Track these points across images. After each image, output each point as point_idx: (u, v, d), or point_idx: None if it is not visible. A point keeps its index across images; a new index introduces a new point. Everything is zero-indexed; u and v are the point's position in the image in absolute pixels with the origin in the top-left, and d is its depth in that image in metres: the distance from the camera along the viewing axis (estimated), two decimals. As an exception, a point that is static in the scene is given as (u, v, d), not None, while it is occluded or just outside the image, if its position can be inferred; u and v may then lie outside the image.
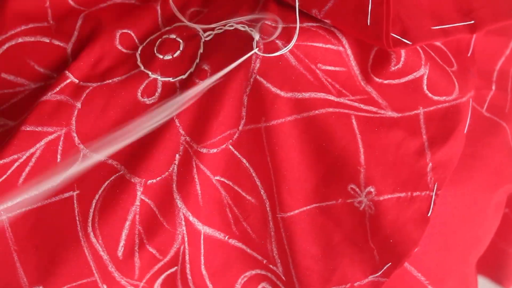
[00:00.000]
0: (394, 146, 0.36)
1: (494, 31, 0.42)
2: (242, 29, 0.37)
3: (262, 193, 0.37)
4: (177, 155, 0.36)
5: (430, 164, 0.36)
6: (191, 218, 0.36)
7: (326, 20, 0.36)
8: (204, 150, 0.36)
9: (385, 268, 0.35)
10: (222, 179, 0.37)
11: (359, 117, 0.36)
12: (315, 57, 0.36)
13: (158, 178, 0.36)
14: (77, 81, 0.38)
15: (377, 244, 0.35)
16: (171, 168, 0.36)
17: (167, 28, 0.40)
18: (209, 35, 0.39)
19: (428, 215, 0.35)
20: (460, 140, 0.36)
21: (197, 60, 0.38)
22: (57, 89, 0.38)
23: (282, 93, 0.35)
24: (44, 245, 0.36)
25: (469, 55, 0.39)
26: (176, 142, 0.36)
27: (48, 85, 0.39)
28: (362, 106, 0.36)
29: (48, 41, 0.40)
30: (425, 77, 0.36)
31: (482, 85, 0.42)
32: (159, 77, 0.38)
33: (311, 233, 0.36)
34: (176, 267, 0.37)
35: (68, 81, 0.38)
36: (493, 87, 0.42)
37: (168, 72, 0.38)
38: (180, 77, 0.38)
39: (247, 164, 0.37)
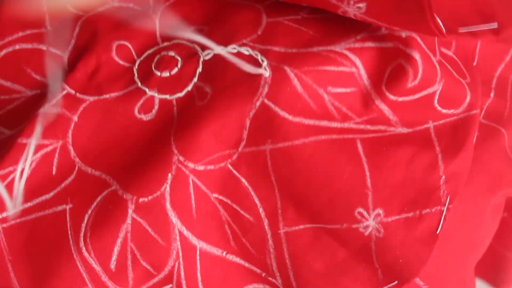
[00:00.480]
0: (405, 162, 0.36)
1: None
2: (246, 53, 0.37)
3: (260, 211, 0.37)
4: (169, 175, 0.36)
5: (444, 177, 0.36)
6: (185, 232, 0.36)
7: (360, 5, 0.35)
8: (201, 168, 0.36)
9: (390, 285, 0.35)
10: (220, 197, 0.37)
11: (364, 140, 0.36)
12: (326, 81, 0.36)
13: (149, 197, 0.36)
14: (73, 92, 0.39)
15: (382, 264, 0.35)
16: (163, 188, 0.36)
17: (165, 44, 0.40)
18: (207, 54, 0.39)
19: (437, 232, 0.35)
20: (470, 151, 0.36)
21: (195, 79, 0.38)
22: (54, 101, 0.38)
23: (290, 117, 0.36)
24: (38, 256, 0.36)
25: (475, 64, 0.39)
26: (169, 162, 0.36)
27: (45, 93, 0.39)
28: (369, 127, 0.37)
29: (45, 48, 0.40)
30: (438, 92, 0.36)
31: (481, 92, 0.42)
32: (156, 94, 0.38)
33: (315, 249, 0.36)
34: (171, 285, 0.37)
35: (64, 92, 0.38)
36: (492, 94, 0.43)
37: (165, 89, 0.38)
38: (177, 95, 0.38)
39: (246, 184, 0.37)
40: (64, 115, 0.38)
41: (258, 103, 0.36)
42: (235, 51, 0.38)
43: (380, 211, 0.35)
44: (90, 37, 0.40)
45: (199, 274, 0.37)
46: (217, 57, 0.38)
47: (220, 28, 0.40)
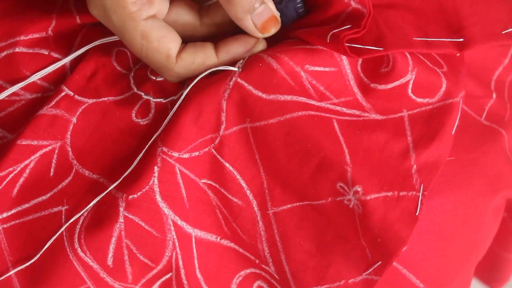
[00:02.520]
0: (378, 148, 0.36)
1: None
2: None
3: (248, 193, 0.37)
4: (155, 167, 0.36)
5: (415, 166, 0.36)
6: (179, 222, 0.36)
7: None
8: (186, 155, 0.36)
9: (375, 266, 0.35)
10: (209, 182, 0.37)
11: (340, 121, 0.36)
12: (303, 59, 0.36)
13: (139, 193, 0.35)
14: (72, 93, 0.39)
15: (367, 243, 0.35)
16: (151, 181, 0.36)
17: None
18: None
19: (417, 214, 0.35)
20: (447, 141, 0.36)
21: (187, 81, 0.38)
22: (53, 102, 0.38)
23: (264, 96, 0.35)
24: (30, 257, 0.37)
25: (458, 55, 0.38)
26: (153, 154, 0.36)
27: (46, 97, 0.39)
28: (344, 109, 0.36)
29: (47, 53, 0.40)
30: (411, 82, 0.36)
31: (481, 94, 0.42)
32: (151, 98, 0.38)
33: (304, 228, 0.36)
34: (170, 273, 0.37)
35: (63, 94, 0.39)
36: (494, 96, 0.43)
37: (160, 93, 0.39)
38: (171, 98, 0.38)
39: (230, 168, 0.37)
40: (63, 117, 0.38)
41: (231, 83, 0.35)
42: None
43: (359, 188, 0.35)
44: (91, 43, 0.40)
45: (196, 262, 0.37)
46: None
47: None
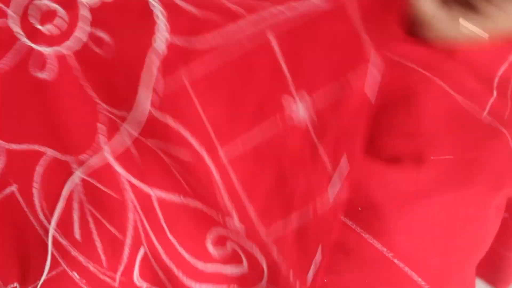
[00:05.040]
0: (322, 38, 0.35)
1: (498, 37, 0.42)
2: None
3: (195, 145, 0.35)
4: (99, 124, 0.35)
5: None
6: (133, 181, 0.35)
7: None
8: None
9: (340, 165, 0.34)
10: (154, 140, 0.36)
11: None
12: None
13: (88, 151, 0.35)
14: None
15: (326, 146, 0.35)
16: (98, 138, 0.35)
17: None
18: (95, 3, 0.36)
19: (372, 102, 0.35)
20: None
21: (88, 29, 0.36)
22: None
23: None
24: (11, 244, 0.36)
25: None
26: (94, 111, 0.35)
27: None
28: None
29: None
30: None
31: (483, 90, 0.42)
32: (46, 49, 0.36)
33: (259, 165, 0.35)
34: (142, 248, 0.36)
35: None
36: (495, 93, 0.42)
37: (55, 43, 0.36)
38: (66, 43, 0.36)
39: (172, 124, 0.35)
40: None
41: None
42: None
43: (304, 92, 0.34)
44: None
45: (164, 224, 0.36)
46: (104, 4, 0.36)
47: None
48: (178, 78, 0.35)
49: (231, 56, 0.35)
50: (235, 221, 0.36)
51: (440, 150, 0.37)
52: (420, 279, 0.37)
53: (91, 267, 0.36)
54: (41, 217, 0.35)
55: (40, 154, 0.36)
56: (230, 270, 0.38)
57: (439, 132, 0.38)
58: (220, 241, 0.38)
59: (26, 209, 0.36)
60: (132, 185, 0.35)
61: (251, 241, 0.36)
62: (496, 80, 0.42)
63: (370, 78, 0.35)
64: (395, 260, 0.37)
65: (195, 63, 0.35)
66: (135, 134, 0.35)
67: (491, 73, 0.42)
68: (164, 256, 0.36)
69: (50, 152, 0.35)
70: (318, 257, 0.36)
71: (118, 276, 0.36)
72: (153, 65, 0.34)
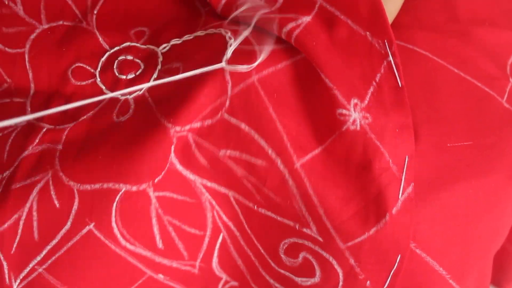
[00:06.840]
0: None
1: (507, 25, 0.42)
2: (217, 31, 0.37)
3: (270, 152, 0.36)
4: (172, 147, 0.35)
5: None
6: (209, 184, 0.36)
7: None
8: (198, 124, 0.35)
9: (405, 168, 0.34)
10: (229, 152, 0.36)
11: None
12: None
13: (162, 173, 0.35)
14: (52, 127, 0.38)
15: (388, 153, 0.35)
16: (168, 162, 0.35)
17: (116, 48, 0.39)
18: (165, 47, 0.39)
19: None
20: None
21: (159, 67, 0.38)
22: (36, 140, 0.37)
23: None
24: (85, 277, 0.36)
25: None
26: (167, 137, 0.35)
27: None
28: None
29: (9, 101, 0.40)
30: None
31: (500, 76, 0.42)
32: (129, 97, 0.38)
33: (329, 174, 0.36)
34: (221, 234, 0.36)
35: (44, 130, 0.38)
36: (510, 79, 0.43)
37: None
38: (145, 86, 0.37)
39: (246, 129, 0.35)
40: (48, 149, 0.37)
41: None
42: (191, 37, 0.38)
43: (355, 100, 0.35)
44: (43, 73, 0.40)
45: (242, 218, 0.36)
46: (173, 47, 0.39)
47: (165, 31, 0.40)
48: (248, 81, 0.35)
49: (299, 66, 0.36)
50: (314, 231, 0.36)
51: (459, 136, 0.37)
52: (441, 269, 0.37)
53: (175, 264, 0.36)
54: (123, 242, 0.35)
55: (116, 191, 0.35)
56: (300, 281, 0.38)
57: (457, 117, 0.38)
58: (294, 250, 0.38)
59: (105, 240, 0.35)
60: (208, 188, 0.36)
61: (328, 251, 0.36)
62: (508, 68, 0.43)
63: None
64: (417, 250, 0.36)
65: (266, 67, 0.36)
66: (208, 145, 0.36)
67: (504, 59, 0.43)
68: (242, 242, 0.37)
69: (125, 187, 0.35)
70: (396, 267, 0.36)
71: (197, 263, 0.37)
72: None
